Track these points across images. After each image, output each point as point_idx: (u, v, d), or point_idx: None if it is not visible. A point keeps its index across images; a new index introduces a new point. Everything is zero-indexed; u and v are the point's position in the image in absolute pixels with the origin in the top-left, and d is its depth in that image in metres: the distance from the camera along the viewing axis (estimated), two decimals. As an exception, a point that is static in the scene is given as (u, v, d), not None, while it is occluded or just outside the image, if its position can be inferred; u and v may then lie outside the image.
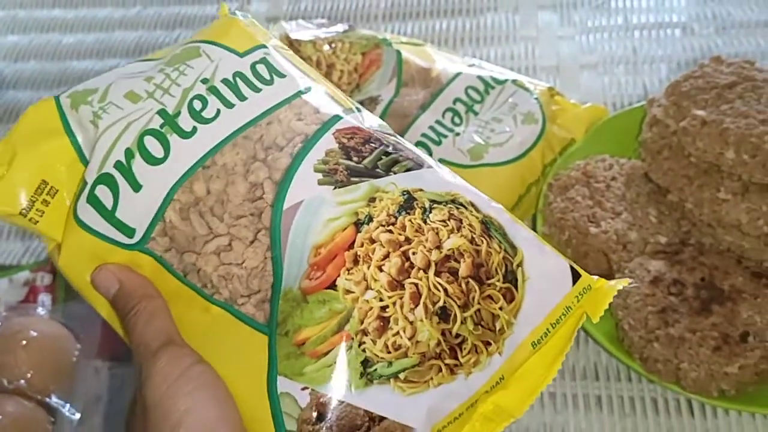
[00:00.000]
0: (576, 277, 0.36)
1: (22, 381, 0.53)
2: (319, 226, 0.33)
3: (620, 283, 0.35)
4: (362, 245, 0.32)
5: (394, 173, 0.35)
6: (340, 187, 0.34)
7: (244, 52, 0.38)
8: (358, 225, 0.33)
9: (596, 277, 0.36)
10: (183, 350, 0.33)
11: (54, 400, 0.54)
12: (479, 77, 0.66)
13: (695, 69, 0.59)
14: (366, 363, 0.31)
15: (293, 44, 0.67)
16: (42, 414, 0.53)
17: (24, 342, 0.54)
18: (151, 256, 0.35)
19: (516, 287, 0.34)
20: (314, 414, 0.31)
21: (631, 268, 0.54)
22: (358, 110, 0.38)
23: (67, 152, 0.36)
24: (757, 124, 0.52)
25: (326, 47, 0.67)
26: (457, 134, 0.63)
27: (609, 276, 0.55)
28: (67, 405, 0.54)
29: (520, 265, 0.35)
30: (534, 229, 0.59)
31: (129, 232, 0.35)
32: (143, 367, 0.32)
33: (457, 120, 0.64)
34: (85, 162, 0.36)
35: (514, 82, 0.66)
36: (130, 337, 0.34)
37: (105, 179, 0.35)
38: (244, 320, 0.32)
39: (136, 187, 0.34)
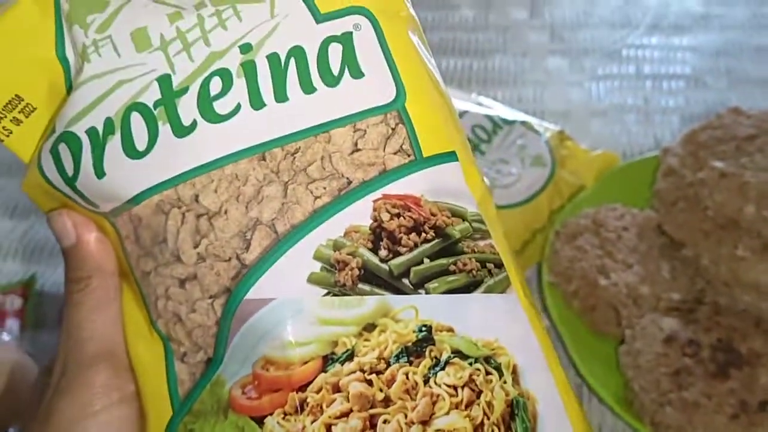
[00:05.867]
0: None
1: (-22, 413, 0.49)
2: (278, 343, 0.25)
3: None
4: (319, 391, 0.24)
5: (427, 292, 0.25)
6: (335, 294, 0.25)
7: (326, 13, 0.27)
8: (327, 360, 0.24)
9: None
10: (119, 376, 0.28)
11: (11, 436, 0.49)
12: (487, 116, 0.63)
13: (713, 119, 0.57)
14: None
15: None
16: (-3, 450, 0.48)
17: (-16, 370, 0.50)
18: (116, 229, 0.28)
19: None
20: None
21: (642, 325, 0.50)
22: (450, 157, 0.27)
23: (53, 68, 0.28)
24: (780, 178, 0.50)
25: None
26: (462, 174, 0.60)
27: (617, 331, 0.52)
28: (26, 441, 0.49)
29: None
30: (539, 278, 0.56)
31: (90, 204, 0.28)
32: (68, 370, 0.28)
33: (462, 159, 0.61)
34: (69, 87, 0.28)
35: (523, 123, 0.63)
36: (67, 314, 0.29)
37: (71, 139, 0.27)
38: (169, 375, 0.26)
39: (100, 173, 0.27)
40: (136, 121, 0.26)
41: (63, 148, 0.28)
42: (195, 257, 0.26)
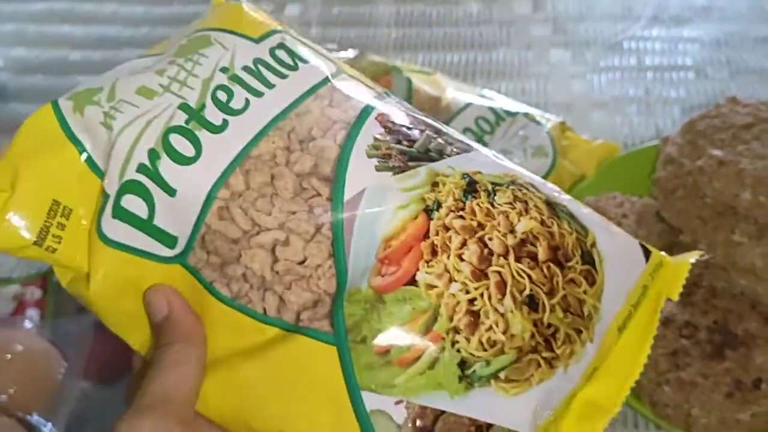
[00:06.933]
0: (647, 254, 0.33)
1: (4, 396, 0.51)
2: (388, 216, 0.29)
3: (691, 256, 0.33)
4: (437, 233, 0.29)
5: (449, 156, 0.32)
6: (399, 173, 0.31)
7: (260, 37, 0.35)
8: (428, 212, 0.30)
9: (663, 252, 0.34)
10: (166, 420, 0.28)
11: (35, 419, 0.51)
12: (490, 108, 0.65)
13: (711, 109, 0.58)
14: (463, 364, 0.28)
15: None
16: (21, 432, 0.50)
17: (8, 356, 0.52)
18: (191, 273, 0.31)
19: (595, 268, 0.31)
20: (415, 429, 0.28)
21: (641, 308, 0.52)
22: (387, 95, 0.35)
23: (75, 163, 0.31)
24: (774, 165, 0.51)
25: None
26: (466, 165, 0.61)
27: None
28: (49, 424, 0.51)
29: (594, 245, 0.32)
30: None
31: (170, 241, 0.31)
32: (126, 414, 0.29)
33: (466, 150, 0.62)
34: (99, 172, 0.31)
35: (525, 115, 0.65)
36: (147, 373, 0.30)
37: (132, 187, 0.30)
38: (309, 335, 0.29)
39: (171, 191, 0.30)
40: (176, 139, 0.31)
41: (127, 199, 0.31)
42: (275, 222, 0.30)
